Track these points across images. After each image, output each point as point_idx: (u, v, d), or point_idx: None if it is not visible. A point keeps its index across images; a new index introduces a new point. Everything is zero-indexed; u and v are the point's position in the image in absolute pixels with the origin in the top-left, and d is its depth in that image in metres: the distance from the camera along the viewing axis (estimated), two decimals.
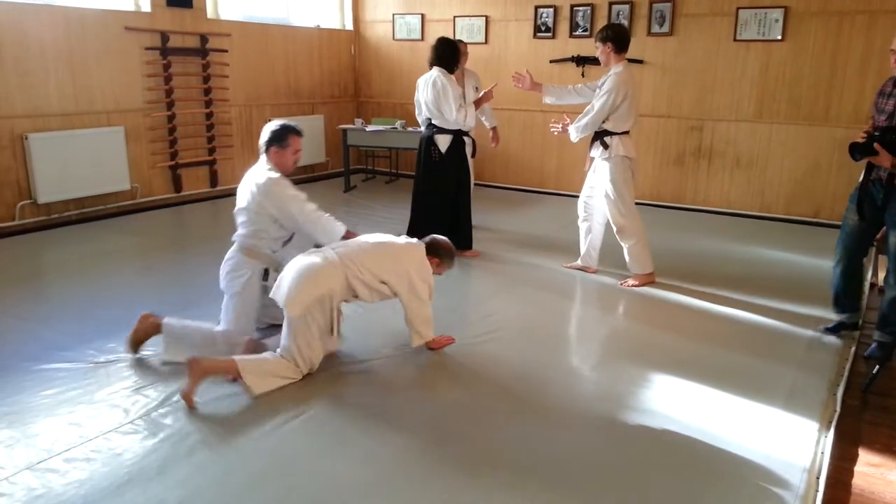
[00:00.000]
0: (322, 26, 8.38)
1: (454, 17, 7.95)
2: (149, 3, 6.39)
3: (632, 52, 4.55)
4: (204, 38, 6.86)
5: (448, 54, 4.99)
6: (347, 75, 8.77)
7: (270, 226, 3.51)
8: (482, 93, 5.33)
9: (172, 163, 6.79)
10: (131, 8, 6.37)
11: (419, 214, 5.29)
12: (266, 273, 3.51)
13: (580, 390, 3.18)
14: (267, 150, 3.55)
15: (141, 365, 3.28)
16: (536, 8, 7.42)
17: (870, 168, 3.44)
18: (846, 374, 3.33)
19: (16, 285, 4.42)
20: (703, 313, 4.17)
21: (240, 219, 3.61)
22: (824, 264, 5.16)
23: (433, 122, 5.12)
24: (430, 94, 5.03)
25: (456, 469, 2.51)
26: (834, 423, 2.86)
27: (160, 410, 2.86)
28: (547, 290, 4.53)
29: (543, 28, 7.44)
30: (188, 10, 6.69)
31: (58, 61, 5.79)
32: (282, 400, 2.96)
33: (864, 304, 4.10)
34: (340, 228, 3.49)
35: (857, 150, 3.33)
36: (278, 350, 3.14)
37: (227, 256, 3.59)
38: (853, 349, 3.63)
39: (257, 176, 3.52)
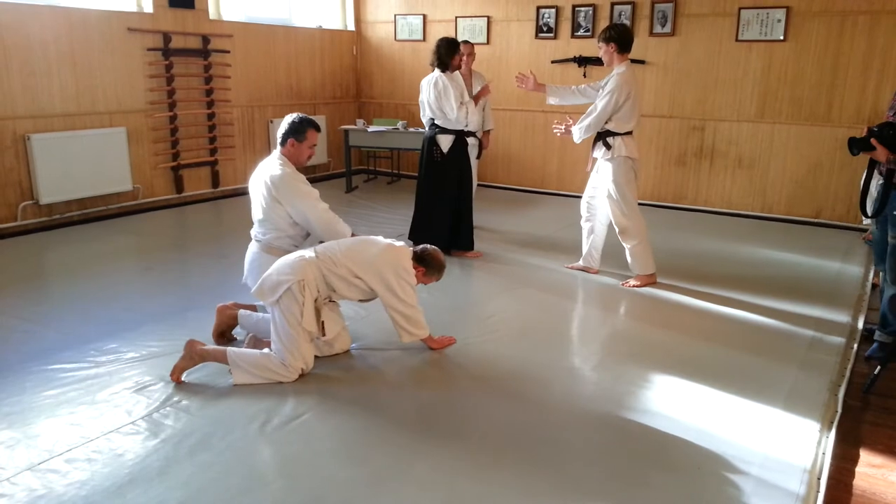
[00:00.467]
0: (324, 27, 8.38)
1: (456, 17, 7.95)
2: (151, 4, 6.40)
3: (634, 52, 4.55)
4: (206, 39, 6.87)
5: (441, 53, 5.00)
6: (349, 76, 8.78)
7: (286, 223, 3.54)
8: (480, 93, 5.33)
9: (174, 163, 6.80)
10: (133, 9, 6.38)
11: (421, 215, 5.30)
12: None
13: (581, 390, 3.18)
14: (284, 142, 3.57)
15: (143, 365, 3.28)
16: (538, 8, 7.42)
17: (871, 165, 3.48)
18: (847, 374, 3.33)
19: (17, 286, 4.43)
20: (704, 314, 4.16)
21: (256, 216, 3.63)
22: (826, 265, 5.17)
23: (436, 122, 5.13)
24: (431, 94, 5.05)
25: (456, 468, 2.51)
26: (835, 424, 2.86)
27: (161, 411, 2.86)
28: (548, 291, 4.53)
29: (545, 28, 7.44)
30: (190, 10, 6.70)
31: (60, 62, 5.80)
32: (282, 400, 2.97)
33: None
34: (347, 231, 3.53)
35: (854, 145, 3.40)
36: (270, 349, 3.17)
37: (249, 252, 3.67)
38: (854, 349, 3.62)
39: (270, 169, 3.53)
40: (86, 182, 6.00)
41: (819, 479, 2.49)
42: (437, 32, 7.79)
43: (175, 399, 2.96)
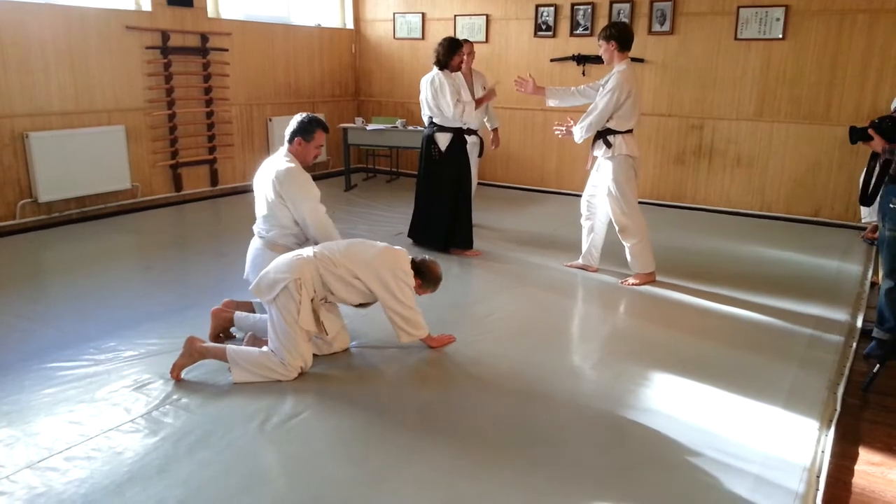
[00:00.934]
0: (323, 25, 8.38)
1: (455, 15, 7.94)
2: (149, 2, 6.39)
3: (633, 50, 4.54)
4: (204, 38, 6.86)
5: (441, 52, 5.00)
6: (348, 74, 8.77)
7: (290, 220, 3.54)
8: (484, 95, 5.33)
9: (173, 162, 6.79)
10: (132, 7, 6.37)
11: (421, 213, 5.30)
12: None
13: (581, 389, 3.18)
14: (291, 140, 3.59)
15: (142, 363, 3.27)
16: (537, 7, 7.41)
17: (873, 158, 3.60)
18: (846, 372, 3.33)
19: (16, 284, 4.42)
20: (703, 312, 4.17)
21: (260, 212, 3.63)
22: (824, 263, 5.17)
23: (434, 120, 5.14)
24: (429, 92, 5.05)
25: (456, 467, 2.51)
26: (834, 422, 2.86)
27: (161, 409, 2.86)
28: (548, 289, 4.53)
29: (544, 27, 7.44)
30: (189, 9, 6.68)
31: (58, 60, 5.79)
32: (281, 399, 2.96)
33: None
34: (338, 238, 3.55)
35: (854, 133, 3.57)
36: (267, 347, 3.17)
37: (252, 248, 3.67)
38: (853, 348, 3.63)
39: (277, 165, 3.54)
40: (84, 180, 5.99)
41: (818, 477, 2.49)
42: (436, 31, 7.80)
43: (174, 397, 2.96)
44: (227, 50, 7.09)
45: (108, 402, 2.91)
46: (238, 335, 3.57)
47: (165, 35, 6.49)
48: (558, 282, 4.68)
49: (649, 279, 4.59)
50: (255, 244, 3.69)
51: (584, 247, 4.85)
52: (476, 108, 5.20)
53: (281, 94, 7.87)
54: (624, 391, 3.12)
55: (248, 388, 3.05)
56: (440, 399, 3.02)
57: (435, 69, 5.04)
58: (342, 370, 3.27)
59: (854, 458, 2.68)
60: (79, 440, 2.62)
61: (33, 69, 5.63)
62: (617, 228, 4.57)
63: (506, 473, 2.47)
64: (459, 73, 5.15)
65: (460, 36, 7.25)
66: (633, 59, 5.25)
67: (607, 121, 4.42)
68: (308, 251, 3.25)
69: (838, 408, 2.99)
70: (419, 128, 6.33)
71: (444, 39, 5.08)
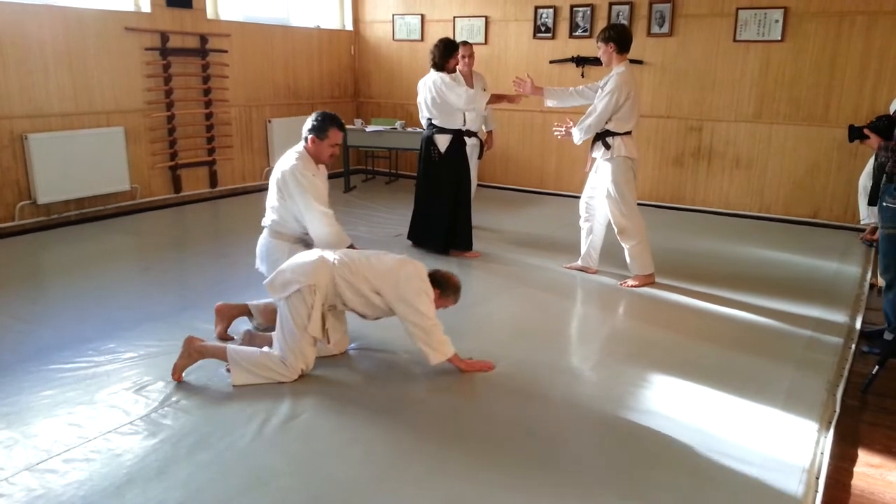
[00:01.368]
0: (322, 27, 8.38)
1: (454, 17, 7.95)
2: (149, 4, 6.39)
3: (631, 52, 4.55)
4: (204, 39, 6.86)
5: (437, 53, 5.00)
6: (347, 76, 8.77)
7: (293, 216, 3.52)
8: (506, 95, 5.22)
9: (172, 163, 6.79)
10: (131, 8, 6.37)
11: (420, 214, 5.30)
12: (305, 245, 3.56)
13: (580, 390, 3.18)
14: (305, 138, 3.54)
15: (141, 365, 3.27)
16: (536, 8, 7.42)
17: (878, 156, 3.64)
18: (845, 374, 3.33)
19: (15, 285, 4.42)
20: (702, 314, 4.17)
21: (269, 204, 3.61)
22: (823, 265, 5.18)
23: (433, 122, 5.14)
24: (427, 95, 5.05)
25: (456, 468, 2.51)
26: (833, 424, 2.86)
27: (160, 411, 2.86)
28: (547, 291, 4.53)
29: (543, 28, 7.44)
30: (188, 10, 6.69)
31: (58, 61, 5.79)
32: (281, 400, 2.96)
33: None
34: (342, 242, 3.45)
35: (852, 132, 3.65)
36: (270, 347, 3.16)
37: (260, 239, 3.67)
38: (852, 349, 3.63)
39: (286, 162, 3.51)
40: (83, 182, 5.99)
41: (817, 478, 2.49)
42: (436, 32, 7.79)
43: (174, 399, 2.95)
44: (226, 51, 7.09)
45: (107, 403, 2.91)
46: (236, 336, 3.56)
47: (164, 36, 6.49)
48: (557, 283, 4.68)
49: (648, 281, 4.60)
50: (263, 236, 3.67)
51: (583, 248, 4.86)
52: (491, 103, 5.14)
53: (280, 96, 7.87)
54: (623, 392, 3.12)
55: (248, 389, 3.05)
56: (439, 400, 3.02)
57: (432, 71, 5.04)
58: (342, 372, 3.27)
59: (853, 459, 2.68)
60: (78, 442, 2.62)
61: (32, 70, 5.63)
62: (616, 230, 4.57)
63: (505, 474, 2.47)
64: (459, 74, 5.15)
65: (459, 38, 7.26)
66: (632, 61, 5.26)
67: (606, 122, 4.42)
68: (329, 255, 3.20)
69: (837, 409, 2.99)
70: (418, 129, 6.33)
71: (440, 41, 5.08)
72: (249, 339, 3.41)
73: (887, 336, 3.62)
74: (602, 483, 2.44)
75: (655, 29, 6.82)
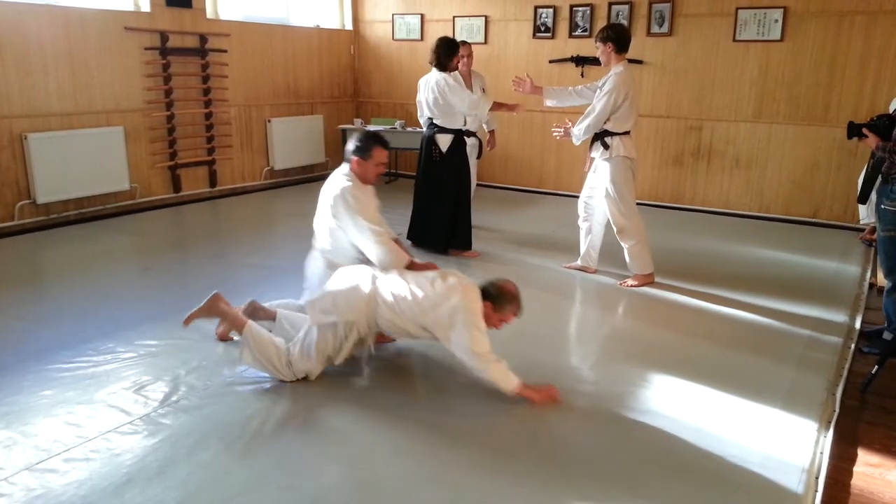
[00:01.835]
0: (321, 26, 8.38)
1: (454, 17, 7.95)
2: (148, 3, 6.39)
3: (631, 52, 4.56)
4: (203, 38, 6.86)
5: (440, 52, 5.00)
6: (347, 75, 8.77)
7: (349, 243, 3.41)
8: (507, 104, 5.26)
9: (172, 163, 6.78)
10: (131, 8, 6.37)
11: (420, 214, 5.30)
12: None
13: (579, 390, 3.17)
14: (349, 159, 3.45)
15: (141, 365, 3.27)
16: (536, 8, 7.42)
17: (874, 154, 3.67)
18: (845, 374, 3.34)
19: (15, 285, 4.42)
20: (702, 313, 4.17)
21: (317, 227, 3.51)
22: (823, 264, 5.18)
23: (434, 121, 5.13)
24: (430, 94, 5.05)
25: (456, 469, 2.51)
26: (833, 424, 2.86)
27: (160, 411, 2.86)
28: (546, 291, 4.53)
29: (543, 28, 7.44)
30: (188, 10, 6.69)
31: (57, 61, 5.79)
32: (281, 400, 2.97)
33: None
34: (400, 261, 3.30)
35: (850, 129, 3.65)
36: (289, 343, 3.10)
37: (314, 264, 3.54)
38: (852, 349, 3.63)
39: (334, 184, 3.41)
40: (83, 181, 5.99)
41: (817, 478, 2.49)
42: (435, 32, 7.79)
43: (173, 399, 2.95)
44: (225, 51, 7.09)
45: (106, 403, 2.91)
46: (236, 338, 3.51)
47: (164, 36, 6.49)
48: (557, 283, 4.68)
49: (648, 280, 4.60)
50: (316, 260, 3.54)
51: (583, 248, 4.86)
52: (493, 110, 5.17)
53: (280, 95, 7.87)
54: (622, 392, 3.12)
55: (247, 389, 3.05)
56: (438, 400, 3.02)
57: (435, 71, 5.04)
58: (341, 372, 3.26)
59: (852, 459, 2.68)
60: (77, 442, 2.62)
61: (32, 70, 5.63)
62: (615, 230, 4.57)
63: (505, 474, 2.47)
64: (458, 74, 5.15)
65: (459, 37, 7.26)
66: (632, 61, 5.28)
67: (605, 122, 4.42)
68: (379, 290, 3.03)
69: (837, 409, 2.99)
70: (418, 129, 6.33)
71: (441, 40, 5.08)
72: (252, 311, 3.37)
73: (886, 336, 3.62)
74: (600, 482, 2.44)
75: (655, 29, 6.82)
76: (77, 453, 2.55)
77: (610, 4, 6.98)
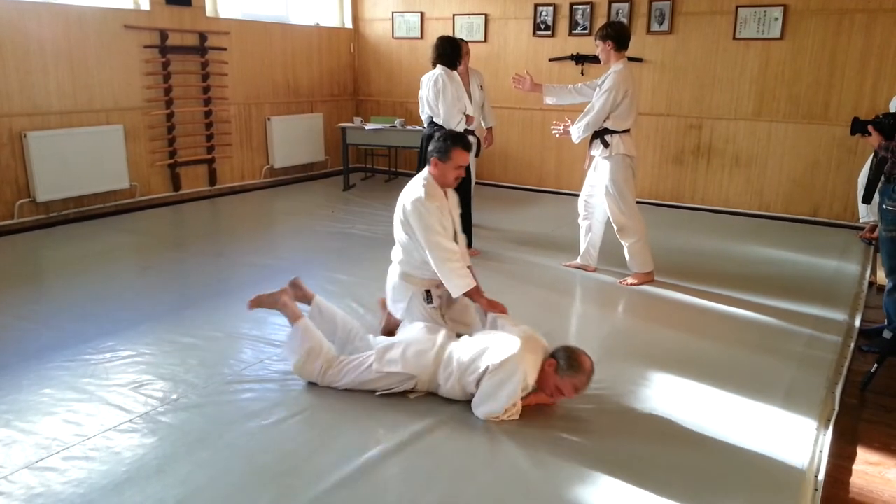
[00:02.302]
0: (321, 24, 8.37)
1: (453, 15, 7.94)
2: (148, 2, 6.38)
3: (631, 50, 4.55)
4: (203, 37, 6.85)
5: (449, 51, 4.99)
6: (346, 73, 8.76)
7: (420, 258, 3.28)
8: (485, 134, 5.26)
9: (171, 161, 6.78)
10: (130, 6, 6.36)
11: None
12: (428, 294, 3.33)
13: None
14: (429, 160, 3.32)
15: (140, 363, 3.27)
16: (536, 6, 7.41)
17: (877, 153, 3.69)
18: (844, 372, 3.34)
19: (14, 284, 4.42)
20: (701, 312, 4.17)
21: (396, 237, 3.40)
22: (823, 263, 5.18)
23: (434, 119, 5.12)
24: (431, 91, 5.04)
25: (455, 467, 2.51)
26: (832, 422, 2.86)
27: (159, 409, 2.86)
28: (546, 289, 4.53)
29: (543, 26, 7.44)
30: (187, 8, 6.68)
31: (57, 59, 5.78)
32: (280, 398, 2.97)
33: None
34: (463, 284, 3.20)
35: (854, 125, 3.65)
36: (340, 356, 3.04)
37: (390, 274, 3.46)
38: (851, 347, 3.63)
39: (410, 192, 3.28)
40: (83, 180, 5.99)
41: (816, 476, 2.49)
42: (435, 30, 7.79)
43: (173, 397, 2.96)
44: (225, 49, 7.08)
45: (106, 402, 2.91)
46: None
47: (164, 34, 6.48)
48: (557, 281, 4.68)
49: (648, 279, 4.60)
50: (392, 271, 3.45)
51: (583, 247, 4.86)
52: (471, 124, 5.16)
53: (279, 94, 7.86)
54: (622, 390, 3.12)
55: (246, 388, 3.05)
56: (438, 399, 3.01)
57: (439, 68, 5.01)
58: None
59: (852, 457, 2.68)
60: (77, 440, 2.62)
61: (32, 68, 5.63)
62: (615, 228, 4.57)
63: (504, 474, 2.48)
64: (456, 74, 5.14)
65: (458, 35, 7.27)
66: (631, 59, 5.28)
67: (604, 120, 4.42)
68: (450, 355, 2.94)
69: (836, 407, 3.00)
70: (418, 127, 6.33)
71: (445, 39, 5.07)
72: (293, 287, 3.34)
73: (886, 334, 3.62)
74: (600, 482, 2.44)
75: (655, 27, 6.81)
76: (77, 451, 2.55)
77: (610, 2, 6.97)
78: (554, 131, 4.68)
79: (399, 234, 3.35)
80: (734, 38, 6.50)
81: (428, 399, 2.98)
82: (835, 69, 6.16)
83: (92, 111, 6.08)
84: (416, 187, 3.27)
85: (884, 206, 3.50)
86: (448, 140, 3.26)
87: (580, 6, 7.17)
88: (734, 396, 3.07)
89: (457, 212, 3.45)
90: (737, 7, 6.42)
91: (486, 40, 7.77)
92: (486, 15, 7.76)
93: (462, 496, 2.35)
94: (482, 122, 6.01)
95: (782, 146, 6.52)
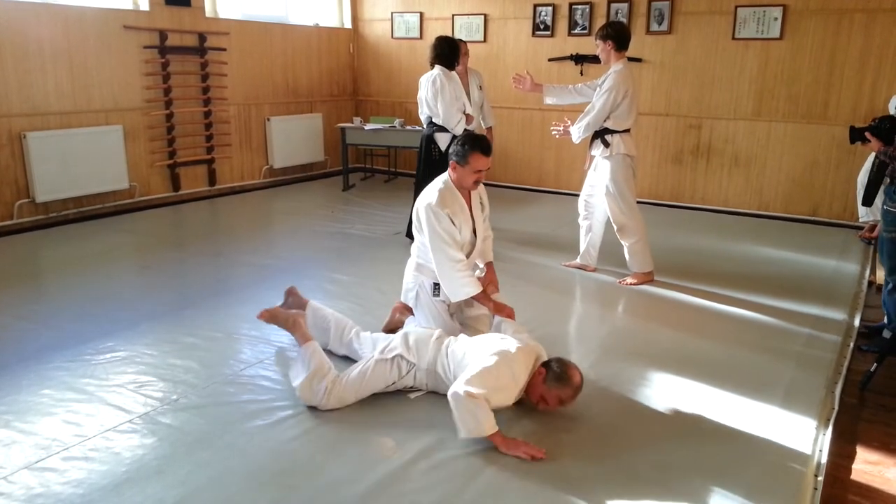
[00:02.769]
0: (321, 25, 8.37)
1: (453, 15, 7.94)
2: (147, 2, 6.38)
3: (630, 50, 4.55)
4: (202, 37, 6.85)
5: (447, 51, 4.99)
6: (346, 74, 8.76)
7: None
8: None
9: (171, 162, 6.78)
10: (130, 6, 6.36)
11: None
12: (437, 287, 3.33)
13: None
14: (448, 162, 3.29)
15: (140, 364, 3.27)
16: (535, 6, 7.41)
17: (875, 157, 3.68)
18: (844, 371, 3.34)
19: (14, 284, 4.41)
20: (701, 311, 4.17)
21: (415, 232, 3.42)
22: (822, 262, 5.18)
23: (433, 120, 5.13)
24: (429, 91, 5.05)
25: (455, 467, 2.51)
26: (832, 421, 2.86)
27: (159, 409, 2.86)
28: (546, 289, 4.53)
29: (542, 26, 7.44)
30: (187, 8, 6.68)
31: (56, 60, 5.78)
32: (280, 398, 2.96)
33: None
34: (461, 293, 3.20)
35: (852, 134, 3.67)
36: (341, 374, 2.98)
37: (407, 266, 3.52)
38: (851, 347, 3.63)
39: (427, 193, 3.27)
40: (82, 180, 5.98)
41: (816, 476, 2.49)
42: (434, 30, 7.79)
43: (173, 397, 2.96)
44: (224, 49, 7.08)
45: (105, 402, 2.91)
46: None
47: (163, 35, 6.48)
48: (556, 281, 4.68)
49: (647, 278, 4.60)
50: (410, 261, 3.48)
51: (582, 246, 4.86)
52: (471, 123, 5.17)
53: (279, 94, 7.86)
54: (621, 390, 3.12)
55: (246, 389, 3.05)
56: (436, 399, 3.01)
57: (437, 68, 5.02)
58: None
59: (851, 457, 2.68)
60: (76, 441, 2.62)
61: (31, 69, 5.63)
62: (615, 228, 4.57)
63: (504, 474, 2.47)
64: (455, 74, 5.15)
65: (457, 35, 7.27)
66: (631, 59, 5.28)
67: (605, 120, 4.42)
68: (448, 345, 2.95)
69: (836, 407, 3.00)
70: (417, 127, 6.33)
71: (443, 39, 5.07)
72: (289, 294, 3.54)
73: (886, 334, 3.62)
74: (599, 481, 2.44)
75: (654, 27, 6.82)
76: (76, 452, 2.55)
77: (609, 2, 6.97)
78: (554, 132, 4.68)
79: (416, 230, 3.38)
80: (733, 38, 6.50)
81: (427, 398, 2.98)
82: (834, 69, 6.17)
83: (91, 112, 6.08)
84: (432, 191, 3.26)
85: (885, 208, 3.50)
86: (467, 144, 3.22)
87: (579, 6, 7.18)
88: (733, 396, 3.08)
89: (482, 211, 3.49)
90: (736, 7, 6.42)
91: (485, 40, 7.77)
92: (485, 15, 7.76)
93: (466, 493, 2.35)
94: (482, 122, 6.01)
95: (782, 146, 6.52)
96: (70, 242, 5.43)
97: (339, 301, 4.02)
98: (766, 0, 6.30)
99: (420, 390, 3.01)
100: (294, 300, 3.55)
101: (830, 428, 2.81)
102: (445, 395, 2.70)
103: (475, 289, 3.22)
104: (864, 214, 5.76)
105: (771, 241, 5.78)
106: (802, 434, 2.76)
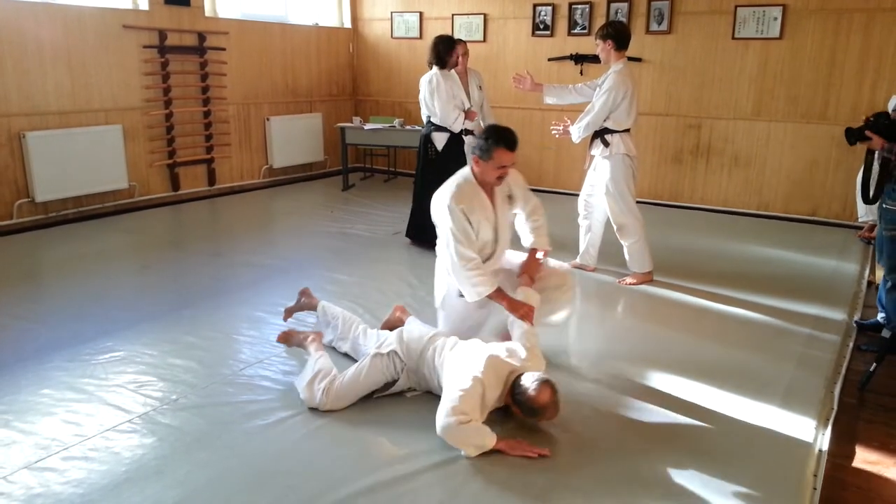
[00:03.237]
0: (320, 24, 8.37)
1: (452, 14, 7.94)
2: (146, 1, 6.38)
3: (630, 50, 4.55)
4: (202, 37, 6.85)
5: (438, 49, 5.00)
6: (345, 73, 8.76)
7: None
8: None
9: (170, 161, 6.78)
10: (129, 6, 6.36)
11: (419, 212, 5.29)
12: None
13: (577, 388, 3.17)
14: (472, 155, 3.16)
15: (139, 363, 3.27)
16: (535, 6, 7.41)
17: (869, 154, 3.63)
18: (843, 371, 3.34)
19: (13, 284, 4.41)
20: (701, 311, 4.17)
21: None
22: (822, 262, 5.18)
23: (431, 119, 5.14)
24: (426, 91, 5.06)
25: (455, 467, 2.51)
26: (831, 421, 2.86)
27: (159, 409, 2.86)
28: None
29: (542, 26, 7.44)
30: (186, 8, 6.67)
31: (55, 59, 5.78)
32: (280, 398, 2.96)
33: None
34: (473, 293, 3.10)
35: (851, 135, 3.58)
36: (341, 373, 2.97)
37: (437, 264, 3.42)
38: (850, 347, 3.63)
39: (445, 188, 3.16)
40: (81, 180, 5.98)
41: (815, 476, 2.49)
42: (434, 30, 7.78)
43: (172, 397, 2.96)
44: (224, 49, 7.08)
45: (105, 402, 2.91)
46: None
47: (163, 34, 6.48)
48: None
49: (647, 279, 4.60)
50: (437, 264, 3.38)
51: (582, 246, 4.86)
52: (469, 117, 5.17)
53: (278, 94, 7.86)
54: (621, 390, 3.12)
55: (245, 389, 3.05)
56: (435, 399, 3.01)
57: (435, 69, 5.04)
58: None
59: (851, 457, 2.68)
60: (76, 440, 2.62)
61: (30, 68, 5.62)
62: (615, 227, 4.57)
63: (504, 473, 2.47)
64: (454, 72, 5.15)
65: (457, 35, 7.26)
66: (631, 59, 5.27)
67: (605, 120, 4.42)
68: (443, 341, 2.95)
69: (835, 407, 3.00)
70: (416, 127, 6.33)
71: (439, 38, 5.08)
72: (302, 295, 3.67)
73: (885, 334, 3.62)
74: (599, 481, 2.45)
75: (654, 26, 6.81)
76: (76, 452, 2.55)
77: (609, 2, 6.97)
78: (553, 131, 4.68)
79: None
80: (733, 38, 6.50)
81: (426, 398, 2.98)
82: (834, 69, 6.17)
83: (91, 111, 6.08)
84: (450, 185, 3.14)
85: (884, 206, 3.49)
86: (490, 139, 3.04)
87: (579, 6, 7.17)
88: (733, 396, 3.08)
89: (510, 208, 3.39)
90: (736, 7, 6.42)
91: (484, 40, 7.77)
92: (484, 15, 7.76)
93: (465, 493, 2.35)
94: (481, 122, 5.99)
95: (781, 146, 6.52)
96: (69, 242, 5.43)
97: (339, 301, 4.02)
98: (765, 0, 6.30)
99: (416, 390, 3.01)
100: (306, 300, 3.65)
101: (830, 428, 2.81)
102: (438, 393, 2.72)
103: (487, 288, 3.07)
104: (864, 214, 5.75)
105: (770, 240, 5.78)
106: (802, 434, 2.76)
